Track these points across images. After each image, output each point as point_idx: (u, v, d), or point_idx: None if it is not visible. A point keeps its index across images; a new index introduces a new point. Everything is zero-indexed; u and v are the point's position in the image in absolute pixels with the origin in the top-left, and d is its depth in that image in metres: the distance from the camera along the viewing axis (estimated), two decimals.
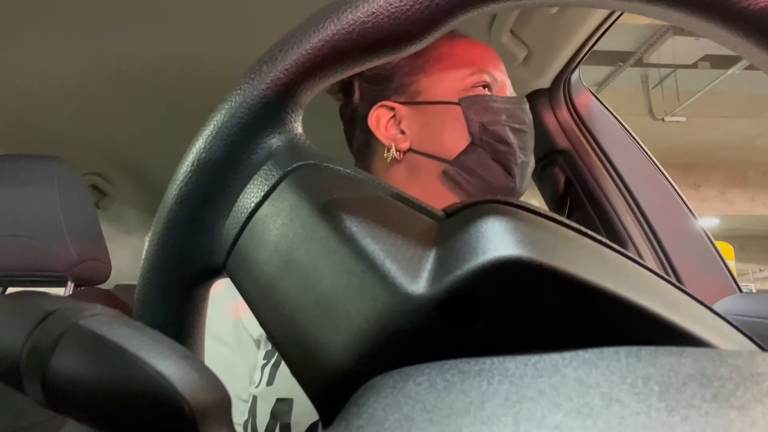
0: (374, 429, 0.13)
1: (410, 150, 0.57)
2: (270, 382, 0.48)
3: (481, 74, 0.57)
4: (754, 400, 0.12)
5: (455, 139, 0.56)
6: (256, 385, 0.50)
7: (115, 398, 0.14)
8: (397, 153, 0.57)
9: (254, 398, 0.49)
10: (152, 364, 0.14)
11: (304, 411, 0.46)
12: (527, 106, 0.59)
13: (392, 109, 0.58)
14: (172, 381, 0.14)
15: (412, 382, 0.15)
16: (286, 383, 0.47)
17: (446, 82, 0.57)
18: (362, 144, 0.61)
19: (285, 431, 0.46)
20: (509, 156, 0.56)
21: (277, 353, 0.50)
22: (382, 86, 0.59)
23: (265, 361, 0.50)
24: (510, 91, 0.60)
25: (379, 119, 0.58)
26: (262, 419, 0.47)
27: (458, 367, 0.15)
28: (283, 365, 0.49)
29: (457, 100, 0.56)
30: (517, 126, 0.57)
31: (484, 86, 0.57)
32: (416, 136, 0.57)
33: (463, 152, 0.55)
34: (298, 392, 0.49)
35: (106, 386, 0.14)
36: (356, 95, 0.61)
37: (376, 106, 0.59)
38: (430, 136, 0.57)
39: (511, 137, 0.56)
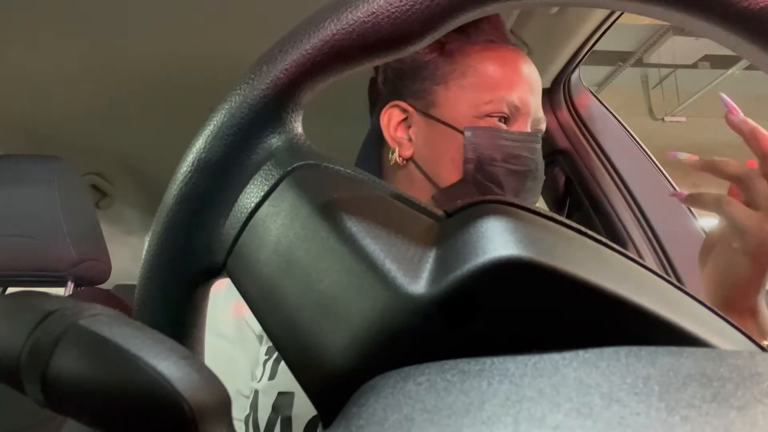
0: (374, 429, 0.13)
1: (411, 159, 0.57)
2: (272, 377, 0.49)
3: (500, 103, 0.54)
4: (754, 400, 0.12)
5: (451, 168, 0.54)
6: (257, 380, 0.50)
7: (115, 398, 0.14)
8: (400, 159, 0.57)
9: (256, 393, 0.49)
10: (152, 364, 0.14)
11: (305, 404, 0.46)
12: (538, 145, 0.56)
13: (406, 111, 0.57)
14: (172, 381, 0.14)
15: (412, 382, 0.15)
16: (288, 377, 0.48)
17: (462, 104, 0.55)
18: (377, 135, 0.60)
19: (286, 425, 0.46)
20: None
21: None
22: (403, 83, 0.58)
23: (267, 357, 0.51)
24: (535, 116, 0.57)
25: (391, 119, 0.58)
26: (264, 413, 0.48)
27: (458, 367, 0.15)
28: None
29: (462, 129, 0.54)
30: (516, 168, 0.53)
31: (501, 117, 0.54)
32: (420, 148, 0.56)
33: (454, 185, 0.54)
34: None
35: (106, 386, 0.14)
36: (381, 78, 0.61)
37: (391, 104, 0.58)
38: (431, 155, 0.56)
39: (506, 180, 0.53)
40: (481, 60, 0.56)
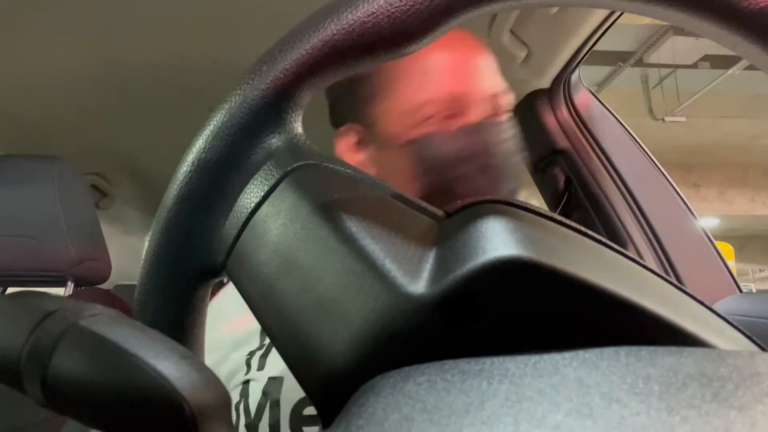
0: (374, 429, 0.13)
1: None
2: (260, 368, 0.50)
3: (438, 103, 0.47)
4: (754, 400, 0.12)
5: (402, 184, 0.48)
6: (245, 372, 0.50)
7: (115, 398, 0.14)
8: None
9: (246, 382, 0.50)
10: (152, 364, 0.14)
11: (293, 388, 0.47)
12: (496, 128, 0.49)
13: (356, 133, 0.53)
14: (172, 381, 0.14)
15: (412, 382, 0.15)
16: (278, 366, 0.49)
17: (397, 115, 0.49)
18: None
19: (275, 406, 0.47)
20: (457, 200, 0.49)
21: (263, 343, 0.51)
22: (344, 106, 0.54)
23: (249, 356, 0.51)
24: (488, 93, 0.50)
25: (346, 145, 0.53)
26: (254, 397, 0.49)
27: (458, 367, 0.15)
28: (273, 352, 0.50)
29: (403, 142, 0.48)
30: (478, 164, 0.48)
31: (447, 115, 0.48)
32: (374, 167, 0.52)
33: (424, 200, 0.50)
34: (289, 372, 0.48)
35: (106, 386, 0.14)
36: (330, 108, 0.56)
37: (342, 129, 0.53)
38: (388, 176, 0.50)
39: (473, 176, 0.47)
40: (413, 57, 0.51)
